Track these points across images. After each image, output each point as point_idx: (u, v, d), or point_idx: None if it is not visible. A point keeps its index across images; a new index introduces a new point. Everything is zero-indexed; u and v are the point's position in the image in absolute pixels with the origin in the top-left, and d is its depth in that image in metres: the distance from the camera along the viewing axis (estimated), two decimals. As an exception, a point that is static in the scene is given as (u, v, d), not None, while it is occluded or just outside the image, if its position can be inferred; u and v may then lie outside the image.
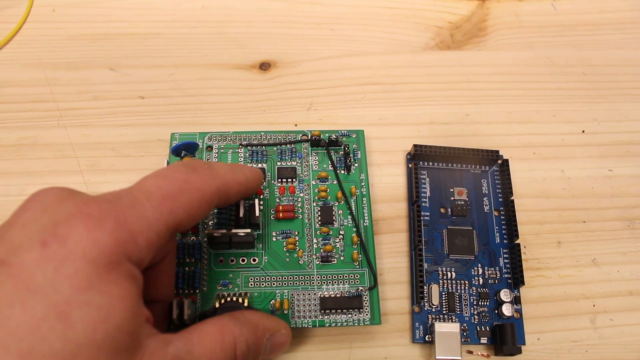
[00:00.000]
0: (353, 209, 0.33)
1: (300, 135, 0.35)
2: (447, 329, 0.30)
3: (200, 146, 0.34)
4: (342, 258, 0.31)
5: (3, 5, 0.41)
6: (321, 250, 0.31)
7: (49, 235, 0.19)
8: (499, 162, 0.35)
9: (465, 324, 0.31)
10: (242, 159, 0.34)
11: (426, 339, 0.31)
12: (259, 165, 0.33)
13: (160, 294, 0.26)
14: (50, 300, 0.18)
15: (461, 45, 0.42)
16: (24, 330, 0.17)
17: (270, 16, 0.42)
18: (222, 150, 0.34)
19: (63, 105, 0.37)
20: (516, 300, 0.32)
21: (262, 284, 0.30)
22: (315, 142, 0.34)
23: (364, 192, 0.33)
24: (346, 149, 0.34)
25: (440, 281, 0.32)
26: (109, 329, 0.18)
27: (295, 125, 0.37)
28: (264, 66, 0.40)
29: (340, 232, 0.32)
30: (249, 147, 0.34)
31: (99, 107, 0.37)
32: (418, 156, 0.35)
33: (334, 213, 0.32)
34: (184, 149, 0.32)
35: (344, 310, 0.30)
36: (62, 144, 0.36)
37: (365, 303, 0.30)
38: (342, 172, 0.34)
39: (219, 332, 0.23)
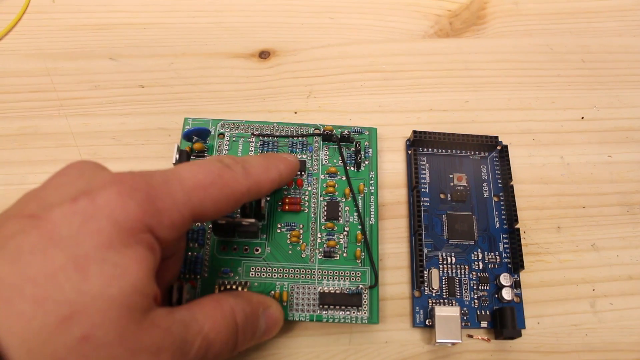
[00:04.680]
0: (360, 206, 0.33)
1: (313, 128, 0.35)
2: (447, 313, 0.30)
3: (212, 133, 0.34)
4: (344, 255, 0.31)
5: (2, -4, 0.41)
6: (324, 246, 0.31)
7: (81, 194, 0.20)
8: (498, 148, 0.35)
9: (465, 308, 0.31)
10: (252, 148, 0.34)
11: (426, 323, 0.31)
12: None
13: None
14: (70, 252, 0.18)
15: (460, 33, 0.42)
16: (41, 277, 0.18)
17: (269, 5, 0.42)
18: (234, 139, 0.34)
19: (63, 94, 0.37)
20: (516, 285, 0.32)
21: (263, 275, 0.30)
22: (327, 136, 0.34)
23: (372, 190, 0.33)
24: (357, 145, 0.34)
25: (440, 266, 0.32)
26: (124, 286, 0.19)
27: (295, 112, 0.37)
28: (264, 55, 0.40)
29: (345, 228, 0.32)
30: (260, 137, 0.34)
31: (100, 97, 0.37)
32: (417, 142, 0.35)
33: (340, 209, 0.32)
34: (196, 135, 0.32)
35: (343, 307, 0.30)
36: (62, 133, 0.36)
37: (365, 301, 0.30)
38: (352, 168, 0.34)
39: (217, 302, 0.24)
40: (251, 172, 0.25)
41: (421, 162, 0.35)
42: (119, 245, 0.19)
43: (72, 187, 0.20)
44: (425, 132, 0.35)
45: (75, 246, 0.19)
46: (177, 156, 0.32)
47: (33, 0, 0.41)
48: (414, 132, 0.35)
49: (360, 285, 0.30)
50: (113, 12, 0.41)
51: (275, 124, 0.34)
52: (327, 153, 0.34)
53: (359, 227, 0.32)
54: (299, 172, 0.33)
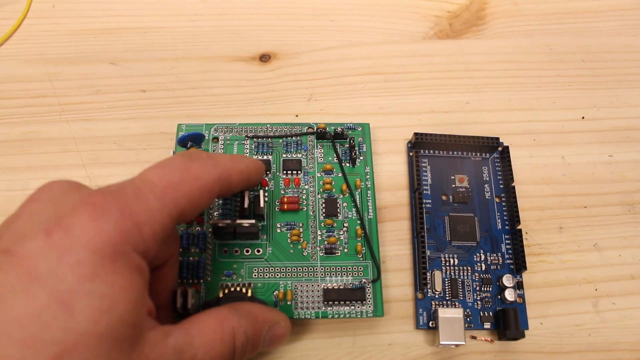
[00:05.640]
0: (357, 201, 0.33)
1: (306, 127, 0.35)
2: (450, 315, 0.30)
3: (207, 137, 0.34)
4: (345, 250, 0.31)
5: (3, 2, 0.41)
6: (325, 242, 0.31)
7: (54, 225, 0.19)
8: (500, 149, 0.35)
9: (468, 310, 0.32)
10: (247, 151, 0.34)
11: (430, 325, 0.31)
12: (265, 157, 0.34)
13: (157, 299, 0.25)
14: (53, 289, 0.18)
15: (460, 34, 0.42)
16: (25, 318, 0.17)
17: (269, 8, 0.42)
18: (228, 142, 0.34)
19: (65, 99, 0.37)
20: (519, 286, 0.32)
21: (266, 275, 0.30)
22: (321, 134, 0.34)
23: (369, 185, 0.33)
24: (351, 142, 0.34)
25: (443, 268, 0.32)
26: (112, 319, 0.18)
27: (297, 116, 0.37)
28: (264, 58, 0.40)
29: (345, 224, 0.32)
30: (254, 139, 0.34)
31: (101, 101, 0.37)
32: (419, 144, 0.35)
33: (338, 205, 0.33)
34: (190, 140, 0.32)
35: (347, 302, 0.30)
36: (64, 138, 0.36)
37: (368, 295, 0.30)
38: (347, 164, 0.34)
39: (218, 324, 0.23)
40: (218, 160, 0.25)
41: (423, 164, 0.35)
42: (103, 274, 0.19)
43: (43, 215, 0.20)
44: (426, 134, 0.35)
45: (56, 282, 0.18)
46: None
47: (33, 5, 0.41)
48: (416, 134, 0.35)
49: (363, 280, 0.30)
50: (114, 17, 0.41)
51: (268, 125, 0.35)
52: (322, 151, 0.34)
53: (358, 222, 0.32)
54: (296, 171, 0.33)
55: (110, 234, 0.19)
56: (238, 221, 0.29)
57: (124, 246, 0.20)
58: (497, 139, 0.35)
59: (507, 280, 0.32)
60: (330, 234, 0.32)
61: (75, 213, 0.19)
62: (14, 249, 0.19)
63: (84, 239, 0.19)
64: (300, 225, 0.32)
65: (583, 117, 0.39)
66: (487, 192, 0.35)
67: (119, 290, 0.19)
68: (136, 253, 0.20)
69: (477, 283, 0.32)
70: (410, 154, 0.36)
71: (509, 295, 0.31)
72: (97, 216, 0.19)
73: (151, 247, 0.21)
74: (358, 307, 0.30)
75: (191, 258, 0.30)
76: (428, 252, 0.33)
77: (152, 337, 0.21)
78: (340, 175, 0.33)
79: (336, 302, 0.30)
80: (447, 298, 0.32)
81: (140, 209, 0.21)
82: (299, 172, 0.33)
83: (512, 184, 0.34)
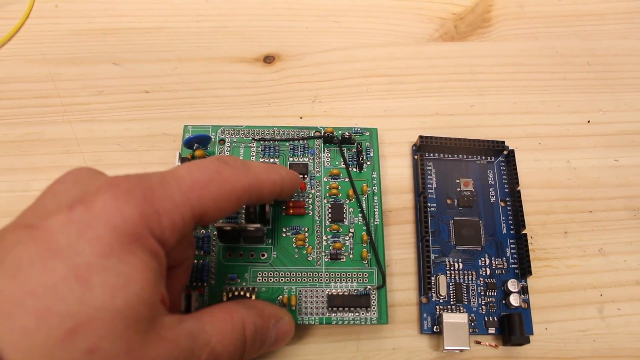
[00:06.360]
0: (364, 207, 0.32)
1: (314, 131, 0.34)
2: (455, 320, 0.30)
3: (213, 139, 0.34)
4: (351, 256, 0.31)
5: (6, 2, 0.41)
6: (330, 248, 0.31)
7: (77, 201, 0.19)
8: (505, 152, 0.35)
9: (473, 315, 0.31)
10: (254, 154, 0.34)
11: (434, 329, 0.31)
12: (272, 160, 0.33)
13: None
14: (71, 263, 0.18)
15: (465, 37, 0.42)
16: (42, 290, 0.17)
17: (274, 9, 0.42)
18: (235, 144, 0.34)
19: (67, 100, 0.37)
20: (523, 291, 0.32)
21: (270, 280, 0.30)
22: (328, 138, 0.34)
23: (375, 191, 0.33)
24: (359, 146, 0.34)
25: (448, 272, 0.32)
26: (127, 297, 0.19)
27: (301, 118, 0.37)
28: (268, 59, 0.39)
29: (350, 230, 0.32)
30: (261, 142, 0.34)
31: (104, 102, 0.37)
32: (424, 147, 0.35)
33: (344, 211, 0.32)
34: (197, 142, 0.32)
35: (352, 309, 0.30)
36: (66, 139, 0.36)
37: (373, 302, 0.30)
38: (354, 169, 0.34)
39: (228, 313, 0.24)
40: (252, 169, 0.25)
41: (427, 167, 0.35)
42: (120, 252, 0.19)
43: (67, 195, 0.20)
44: (431, 137, 0.34)
45: (75, 256, 0.18)
46: (179, 164, 0.32)
47: (36, 6, 0.41)
48: (421, 137, 0.34)
49: (368, 286, 0.30)
50: (116, 17, 0.41)
51: (275, 128, 0.34)
52: (329, 155, 0.34)
53: (364, 227, 0.32)
54: (302, 175, 0.33)
55: (130, 215, 0.19)
56: (243, 224, 0.29)
57: (142, 229, 0.20)
58: (503, 142, 0.35)
59: (512, 285, 0.32)
60: (336, 239, 0.32)
61: (99, 192, 0.20)
62: (36, 224, 0.19)
63: (104, 215, 0.19)
64: (306, 230, 0.32)
65: (589, 121, 0.38)
66: (492, 195, 0.35)
67: (134, 270, 0.19)
68: (153, 238, 0.20)
69: (482, 288, 0.32)
70: (415, 157, 0.36)
71: (514, 300, 0.31)
72: (120, 196, 0.20)
73: (168, 238, 0.21)
74: (362, 313, 0.30)
75: (196, 260, 0.30)
76: (432, 256, 0.32)
77: (167, 321, 0.21)
78: (346, 180, 0.33)
79: (340, 308, 0.30)
80: (452, 303, 0.32)
81: (162, 197, 0.21)
82: (306, 176, 0.33)
83: (518, 188, 0.34)
